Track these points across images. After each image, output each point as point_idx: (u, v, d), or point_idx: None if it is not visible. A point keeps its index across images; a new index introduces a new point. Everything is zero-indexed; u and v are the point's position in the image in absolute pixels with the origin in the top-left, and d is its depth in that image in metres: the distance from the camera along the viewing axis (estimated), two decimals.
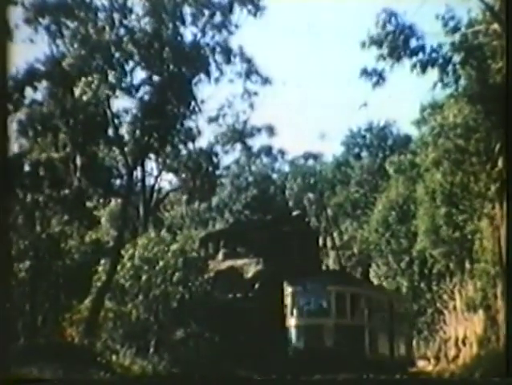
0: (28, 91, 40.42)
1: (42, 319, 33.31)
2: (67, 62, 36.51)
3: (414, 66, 32.09)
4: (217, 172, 58.37)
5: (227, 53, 38.18)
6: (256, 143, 66.76)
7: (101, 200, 49.75)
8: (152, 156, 46.52)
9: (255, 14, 37.18)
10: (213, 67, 37.76)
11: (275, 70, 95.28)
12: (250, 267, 48.48)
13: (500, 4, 29.57)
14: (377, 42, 31.79)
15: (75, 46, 36.32)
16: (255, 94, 45.10)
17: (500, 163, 33.14)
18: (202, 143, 54.06)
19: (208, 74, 37.61)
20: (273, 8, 41.55)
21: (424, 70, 32.08)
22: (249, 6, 36.94)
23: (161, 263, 39.83)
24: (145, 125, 36.81)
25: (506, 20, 23.98)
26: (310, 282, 40.34)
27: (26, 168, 41.06)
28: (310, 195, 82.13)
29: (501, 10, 28.94)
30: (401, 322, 46.21)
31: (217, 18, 37.06)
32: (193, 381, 28.49)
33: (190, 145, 47.53)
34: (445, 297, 53.53)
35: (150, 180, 51.93)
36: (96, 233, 41.99)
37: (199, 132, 44.91)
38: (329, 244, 74.33)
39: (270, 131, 62.02)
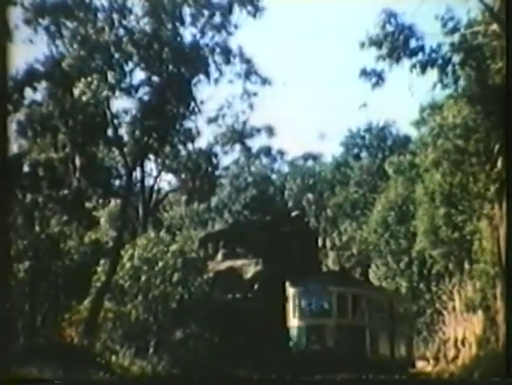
0: (27, 91, 40.48)
1: (42, 319, 33.29)
2: (66, 63, 36.53)
3: (414, 66, 32.11)
4: (217, 173, 58.46)
5: (226, 53, 38.18)
6: (255, 143, 66.89)
7: (100, 201, 49.77)
8: (151, 156, 46.56)
9: (255, 15, 37.19)
10: (212, 68, 37.78)
11: (275, 70, 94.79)
12: (250, 267, 48.46)
13: (499, 4, 29.59)
14: (377, 42, 31.80)
15: (75, 46, 36.32)
16: (255, 94, 45.03)
17: (499, 163, 33.17)
18: (202, 143, 54.14)
19: (207, 74, 37.61)
20: (272, 9, 41.49)
21: (423, 70, 32.09)
22: (249, 7, 36.94)
23: (161, 263, 39.82)
24: (145, 126, 36.81)
25: (506, 20, 24.00)
26: (311, 283, 40.43)
27: (26, 168, 41.10)
28: (310, 195, 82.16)
29: (501, 11, 28.95)
30: (402, 323, 46.26)
31: (217, 18, 37.07)
32: (192, 381, 28.51)
33: (190, 146, 47.58)
34: (445, 297, 53.57)
35: (149, 181, 51.97)
36: (96, 233, 41.98)
37: (198, 133, 44.94)
38: (328, 244, 74.36)
39: (270, 131, 62.10)
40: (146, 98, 36.94)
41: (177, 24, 36.51)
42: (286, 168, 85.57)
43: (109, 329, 37.11)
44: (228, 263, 49.07)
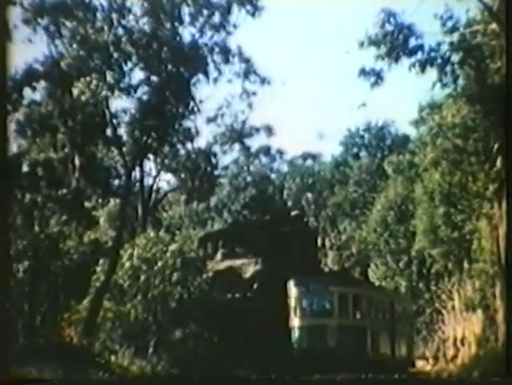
0: (27, 91, 40.52)
1: (41, 319, 33.24)
2: (65, 63, 36.55)
3: (413, 65, 32.08)
4: (216, 172, 58.60)
5: (225, 53, 38.18)
6: (254, 143, 67.19)
7: (100, 201, 49.82)
8: (150, 156, 46.55)
9: (253, 14, 37.20)
10: (211, 67, 37.80)
11: (274, 70, 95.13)
12: (249, 267, 48.52)
13: (498, 4, 29.58)
14: (376, 41, 31.77)
15: (74, 46, 36.35)
16: (254, 94, 45.10)
17: (498, 163, 33.16)
18: (201, 143, 54.32)
19: (206, 74, 37.61)
20: (271, 8, 41.46)
21: (423, 69, 32.07)
22: (248, 7, 36.95)
23: (160, 263, 39.85)
24: (144, 125, 36.80)
25: (506, 20, 23.98)
26: (312, 283, 40.48)
27: (25, 168, 41.11)
28: (309, 195, 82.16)
29: (500, 10, 28.95)
30: (402, 322, 46.32)
31: (216, 18, 37.08)
32: (192, 381, 28.50)
33: (189, 145, 47.70)
34: (444, 297, 53.52)
35: (149, 180, 52.06)
36: (95, 233, 41.96)
37: (197, 132, 44.92)
38: (328, 244, 74.36)
39: (269, 131, 62.25)
40: (145, 97, 36.96)
41: (176, 24, 36.52)
42: (285, 168, 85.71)
43: (108, 328, 37.12)
44: (227, 263, 49.13)
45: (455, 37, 32.07)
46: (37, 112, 42.08)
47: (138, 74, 36.95)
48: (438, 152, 38.01)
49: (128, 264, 39.31)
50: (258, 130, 59.27)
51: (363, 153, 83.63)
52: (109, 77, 35.69)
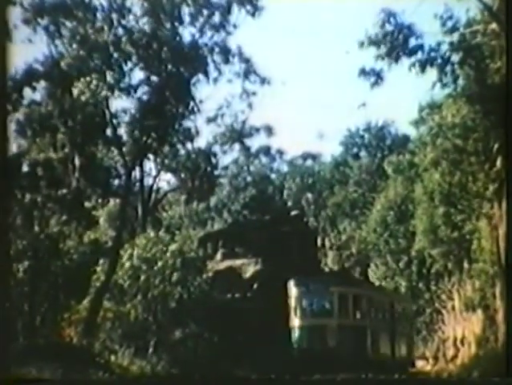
0: (27, 91, 40.53)
1: (41, 319, 33.24)
2: (65, 63, 36.55)
3: (413, 65, 32.08)
4: (216, 172, 58.61)
5: (225, 53, 38.18)
6: (254, 143, 67.19)
7: (99, 201, 49.83)
8: (150, 156, 46.53)
9: (253, 14, 37.20)
10: (211, 67, 37.80)
11: (274, 70, 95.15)
12: (249, 267, 48.54)
13: (498, 4, 29.57)
14: (376, 41, 31.77)
15: (74, 46, 36.34)
16: (254, 94, 45.11)
17: (498, 163, 33.16)
18: (201, 143, 54.34)
19: (206, 74, 37.61)
20: (271, 8, 41.50)
21: (422, 69, 32.07)
22: (248, 6, 36.95)
23: (160, 263, 39.86)
24: (144, 125, 36.79)
25: (506, 20, 23.98)
26: (312, 283, 40.50)
27: (25, 168, 41.12)
28: (309, 195, 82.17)
29: (500, 10, 28.94)
30: (402, 323, 46.35)
31: (216, 18, 37.08)
32: (191, 381, 28.49)
33: (189, 145, 47.70)
34: (444, 297, 53.52)
35: (148, 180, 52.06)
36: (95, 233, 41.95)
37: (197, 132, 44.89)
38: (327, 244, 74.37)
39: (269, 131, 62.27)
40: (145, 97, 36.96)
41: (176, 24, 36.52)
42: (285, 168, 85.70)
43: (108, 328, 37.13)
44: (227, 263, 49.15)
45: (455, 37, 32.07)
46: (37, 112, 42.09)
47: (138, 74, 37.02)
48: (438, 152, 38.02)
49: (127, 264, 39.31)
50: (257, 130, 59.34)
51: (363, 153, 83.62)
52: (109, 77, 35.69)
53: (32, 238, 34.01)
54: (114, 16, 35.79)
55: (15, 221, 33.92)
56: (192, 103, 37.84)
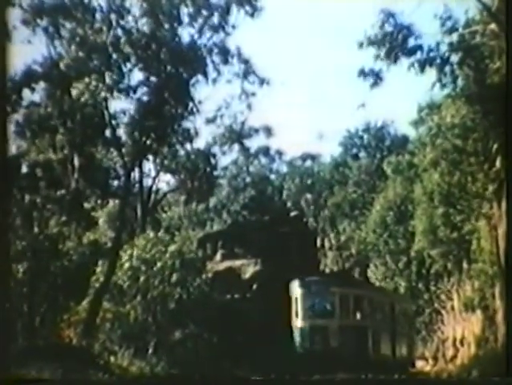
0: (26, 92, 40.53)
1: (41, 320, 33.23)
2: (64, 64, 36.55)
3: (412, 65, 32.10)
4: (215, 173, 58.51)
5: (224, 54, 38.18)
6: (254, 143, 67.32)
7: (99, 201, 49.85)
8: (149, 156, 46.48)
9: (252, 15, 37.21)
10: (210, 68, 37.78)
11: (273, 70, 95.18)
12: (248, 268, 48.54)
13: (497, 4, 29.58)
14: (375, 42, 31.80)
15: (73, 47, 36.30)
16: (253, 94, 45.06)
17: (498, 163, 33.18)
18: (200, 144, 54.21)
19: (205, 74, 37.60)
20: (270, 9, 41.51)
21: (422, 70, 32.09)
22: (247, 7, 36.96)
23: (159, 264, 39.83)
24: (143, 126, 36.76)
25: (506, 20, 23.97)
26: (314, 284, 40.59)
27: (24, 169, 41.13)
28: (308, 195, 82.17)
29: (499, 10, 28.96)
30: (403, 323, 46.39)
31: (215, 18, 37.05)
32: (191, 382, 28.47)
33: (188, 146, 47.58)
34: (443, 297, 53.55)
35: (148, 181, 51.95)
36: (94, 234, 41.92)
37: (197, 133, 44.76)
38: (327, 244, 74.37)
39: (268, 131, 62.24)
40: (144, 98, 36.92)
41: (175, 24, 36.49)
42: (284, 168, 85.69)
43: (108, 329, 37.10)
44: (227, 263, 49.15)
45: (454, 37, 32.11)
46: (36, 113, 42.11)
47: (137, 75, 36.97)
48: (437, 153, 38.05)
49: (127, 265, 39.29)
50: (257, 131, 59.31)
51: (362, 154, 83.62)
52: (108, 78, 35.66)
53: (31, 239, 33.98)
54: (113, 17, 35.76)
55: (14, 222, 33.88)
56: (191, 104, 37.82)
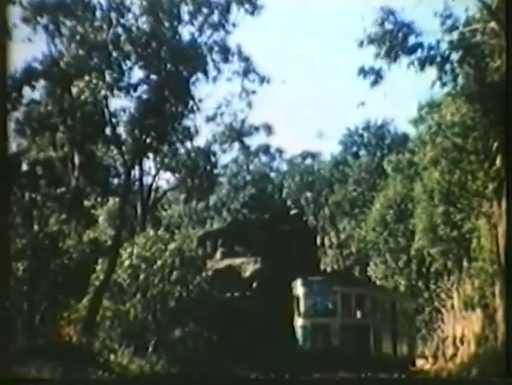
0: (26, 90, 40.50)
1: (41, 318, 33.23)
2: (64, 62, 36.55)
3: (412, 63, 32.09)
4: (215, 171, 58.50)
5: (225, 52, 38.18)
6: (254, 142, 67.03)
7: (99, 199, 49.82)
8: (149, 154, 46.47)
9: (253, 13, 37.21)
10: (210, 66, 37.81)
11: (273, 68, 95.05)
12: (248, 266, 48.53)
13: (497, 2, 29.56)
14: (375, 40, 31.78)
15: (73, 45, 36.30)
16: (253, 92, 45.08)
17: (498, 161, 33.17)
18: (200, 142, 54.25)
19: (206, 73, 37.59)
20: (270, 7, 41.42)
21: (422, 67, 32.07)
22: (247, 5, 36.96)
23: (159, 262, 39.84)
24: (143, 124, 36.76)
25: (506, 19, 23.96)
26: (316, 283, 40.74)
27: (24, 166, 41.11)
28: (308, 194, 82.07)
29: (499, 9, 28.94)
30: (403, 322, 46.47)
31: (215, 17, 37.06)
32: (191, 380, 28.49)
33: (188, 144, 47.60)
34: (443, 295, 53.53)
35: (148, 179, 51.96)
36: (94, 231, 41.92)
37: (197, 131, 44.82)
38: (327, 243, 74.36)
39: (268, 129, 62.22)
40: (144, 96, 36.92)
41: (175, 22, 36.49)
42: (284, 167, 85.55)
43: (108, 327, 37.10)
44: (227, 261, 49.15)
45: (454, 35, 32.10)
46: (36, 111, 42.10)
47: (137, 73, 37.00)
48: (437, 151, 38.04)
49: (127, 263, 39.29)
50: (257, 129, 59.32)
51: (362, 152, 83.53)
52: (108, 76, 35.67)
53: (32, 237, 33.98)
54: (113, 15, 35.76)
55: (15, 220, 33.89)
56: (191, 102, 37.83)
